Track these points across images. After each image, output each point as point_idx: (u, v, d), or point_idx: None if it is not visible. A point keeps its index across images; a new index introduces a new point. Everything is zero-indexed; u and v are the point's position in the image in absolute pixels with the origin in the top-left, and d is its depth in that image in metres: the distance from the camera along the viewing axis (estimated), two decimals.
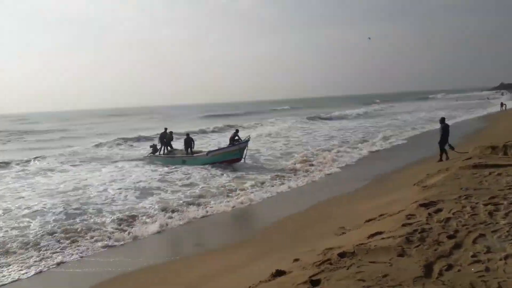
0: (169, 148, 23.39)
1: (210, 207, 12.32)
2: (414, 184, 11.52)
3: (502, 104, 48.58)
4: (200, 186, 15.19)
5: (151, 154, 23.18)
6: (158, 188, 15.10)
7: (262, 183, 15.37)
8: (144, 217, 11.43)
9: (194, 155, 21.39)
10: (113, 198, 13.67)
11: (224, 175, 17.20)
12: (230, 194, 13.84)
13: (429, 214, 6.81)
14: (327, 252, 6.36)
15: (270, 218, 11.22)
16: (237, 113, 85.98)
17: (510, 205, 6.77)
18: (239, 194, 13.85)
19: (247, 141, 20.29)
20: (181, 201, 12.96)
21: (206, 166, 19.10)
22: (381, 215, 8.32)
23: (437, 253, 5.07)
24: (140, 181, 16.24)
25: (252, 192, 13.99)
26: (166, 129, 24.24)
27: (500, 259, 4.68)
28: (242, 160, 19.82)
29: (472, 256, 4.86)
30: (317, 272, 5.09)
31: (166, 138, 23.33)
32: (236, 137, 20.93)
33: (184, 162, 20.64)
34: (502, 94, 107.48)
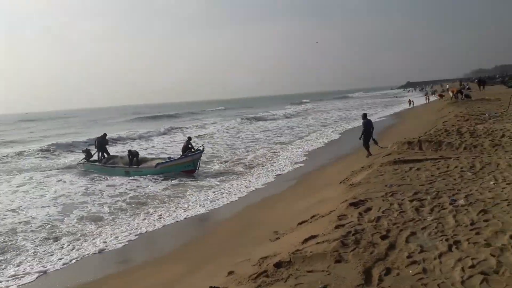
0: (105, 154, 20.92)
1: (146, 220, 11.47)
2: (340, 182, 11.68)
3: (410, 101, 52.08)
4: (130, 196, 14.27)
5: (85, 161, 20.61)
6: (85, 202, 13.75)
7: (209, 188, 14.84)
8: (70, 236, 10.34)
9: (141, 166, 19.03)
10: (32, 216, 12.22)
11: (157, 183, 16.29)
12: (168, 204, 13.06)
13: (360, 213, 6.77)
14: (262, 261, 6.06)
15: (203, 226, 10.68)
16: (171, 114, 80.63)
17: (433, 200, 6.96)
18: (179, 203, 13.08)
19: (201, 151, 18.95)
20: (112, 216, 11.92)
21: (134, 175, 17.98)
22: (312, 216, 8.21)
23: (373, 257, 4.96)
24: (62, 195, 14.81)
25: (195, 201, 13.32)
26: (105, 134, 21.86)
27: (435, 258, 4.67)
28: (196, 171, 18.42)
29: (408, 257, 4.81)
30: None
31: (103, 143, 21.12)
32: (189, 145, 19.24)
33: (127, 174, 18.45)
34: (409, 91, 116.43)
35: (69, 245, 9.68)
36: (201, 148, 19.38)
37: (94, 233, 10.50)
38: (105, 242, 9.74)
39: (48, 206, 13.29)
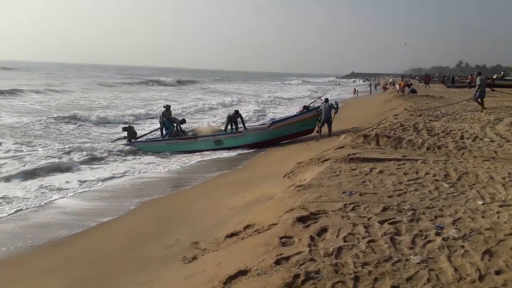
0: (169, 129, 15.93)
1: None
2: (284, 176, 9.57)
3: (355, 91, 51.64)
4: None
5: (127, 141, 15.17)
6: None
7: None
8: None
9: (244, 130, 15.05)
10: None
11: None
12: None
13: (312, 238, 4.59)
14: None
15: (88, 219, 7.94)
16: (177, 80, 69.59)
17: (411, 223, 4.92)
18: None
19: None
20: None
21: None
22: (246, 226, 5.97)
23: None
24: None
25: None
26: (169, 106, 16.83)
27: None
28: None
29: None
30: None
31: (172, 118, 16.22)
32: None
33: (219, 143, 14.39)
34: (354, 81, 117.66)
35: None
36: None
37: None
38: None
39: None
